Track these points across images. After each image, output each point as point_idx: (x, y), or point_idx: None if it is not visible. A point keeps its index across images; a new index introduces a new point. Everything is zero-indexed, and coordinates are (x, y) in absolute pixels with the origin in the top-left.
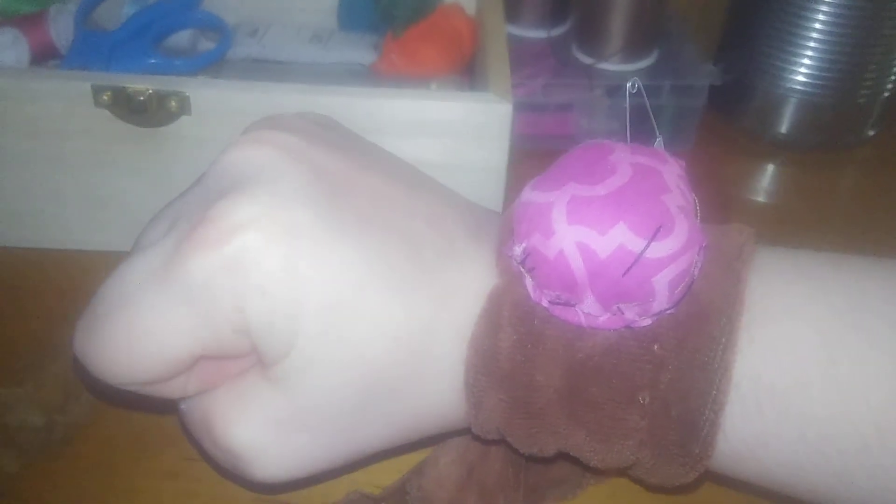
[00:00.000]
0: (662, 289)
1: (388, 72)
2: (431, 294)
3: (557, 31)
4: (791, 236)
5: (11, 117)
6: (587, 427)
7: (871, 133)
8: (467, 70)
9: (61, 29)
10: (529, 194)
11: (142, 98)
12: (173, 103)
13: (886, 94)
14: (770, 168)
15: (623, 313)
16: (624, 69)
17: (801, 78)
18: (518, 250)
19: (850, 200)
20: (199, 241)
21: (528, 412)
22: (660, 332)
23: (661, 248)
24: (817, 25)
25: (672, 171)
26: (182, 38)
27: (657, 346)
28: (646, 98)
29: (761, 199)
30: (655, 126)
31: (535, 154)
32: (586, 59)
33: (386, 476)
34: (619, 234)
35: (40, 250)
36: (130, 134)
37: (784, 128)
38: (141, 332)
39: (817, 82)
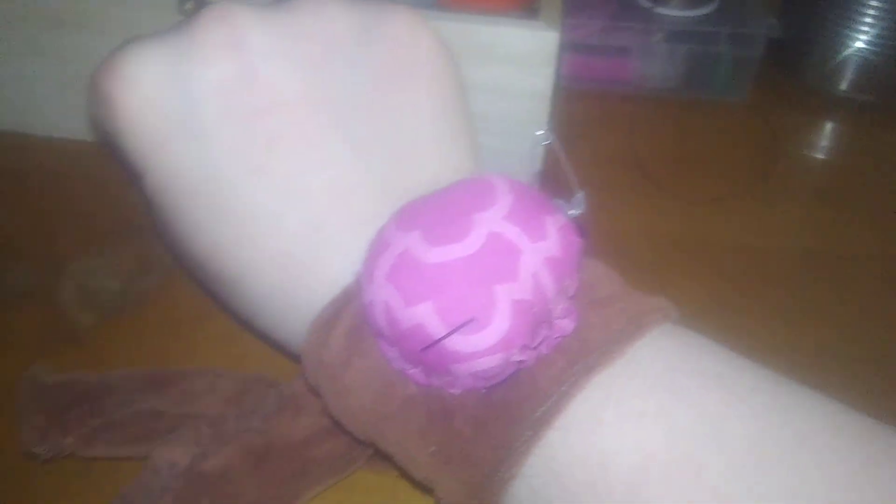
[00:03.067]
0: (464, 377)
1: (454, 6)
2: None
3: None
4: (844, 194)
5: (99, 23)
6: (387, 447)
7: None
8: (532, 9)
9: None
10: (392, 218)
11: None
12: None
13: None
14: (827, 125)
15: (429, 377)
16: (684, 14)
17: (863, 36)
18: (359, 270)
19: None
20: (100, 67)
21: (342, 407)
22: (466, 404)
23: (464, 343)
24: None
25: (540, 253)
26: None
27: (458, 420)
28: (563, 152)
29: (816, 154)
30: (574, 179)
31: (588, 96)
32: (646, 3)
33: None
34: (421, 313)
35: None
36: None
37: (844, 85)
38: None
39: (880, 41)
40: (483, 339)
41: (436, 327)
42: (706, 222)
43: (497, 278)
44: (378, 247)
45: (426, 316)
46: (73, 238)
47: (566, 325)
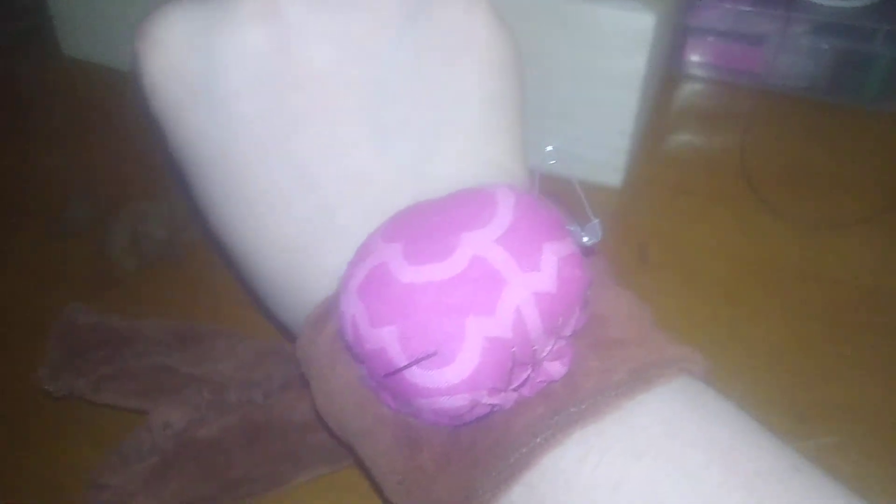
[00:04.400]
0: (427, 411)
1: None
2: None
3: None
4: None
5: None
6: (363, 460)
7: None
8: None
9: None
10: (382, 225)
11: None
12: None
13: None
14: None
15: (397, 403)
16: (838, 5)
17: None
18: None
19: None
20: (138, 25)
21: (326, 408)
22: (433, 438)
23: (425, 377)
24: None
25: (528, 287)
26: None
27: (424, 454)
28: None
29: None
30: (587, 205)
31: (705, 86)
32: None
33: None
34: (385, 337)
35: None
36: None
37: None
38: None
39: None
40: (445, 377)
41: (397, 355)
42: (813, 251)
43: (471, 309)
44: (360, 254)
45: (389, 341)
46: (134, 182)
47: (556, 368)
